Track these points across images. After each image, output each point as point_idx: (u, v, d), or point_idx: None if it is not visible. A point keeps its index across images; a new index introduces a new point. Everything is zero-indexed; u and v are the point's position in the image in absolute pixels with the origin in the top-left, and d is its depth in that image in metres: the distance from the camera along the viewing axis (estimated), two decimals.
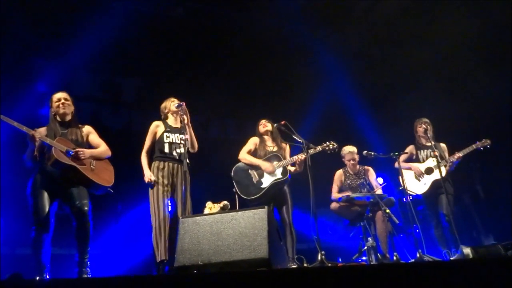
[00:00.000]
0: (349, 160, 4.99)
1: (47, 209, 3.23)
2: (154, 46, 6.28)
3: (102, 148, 3.60)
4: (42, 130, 3.42)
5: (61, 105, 3.48)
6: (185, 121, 3.81)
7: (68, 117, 3.54)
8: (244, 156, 4.43)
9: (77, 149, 3.34)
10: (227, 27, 6.27)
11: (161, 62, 6.46)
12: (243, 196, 4.23)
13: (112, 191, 3.55)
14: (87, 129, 3.65)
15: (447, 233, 4.53)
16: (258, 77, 6.83)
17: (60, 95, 3.55)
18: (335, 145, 4.48)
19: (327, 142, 4.46)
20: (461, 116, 6.16)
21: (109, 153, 3.63)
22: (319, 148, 4.37)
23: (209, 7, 6.06)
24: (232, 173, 4.37)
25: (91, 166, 3.39)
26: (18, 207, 4.47)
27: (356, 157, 4.99)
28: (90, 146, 3.59)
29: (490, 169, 6.24)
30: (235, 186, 4.30)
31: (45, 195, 3.26)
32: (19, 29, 5.41)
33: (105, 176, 3.49)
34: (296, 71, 6.99)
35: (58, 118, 3.50)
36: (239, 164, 4.43)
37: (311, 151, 4.26)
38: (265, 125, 4.56)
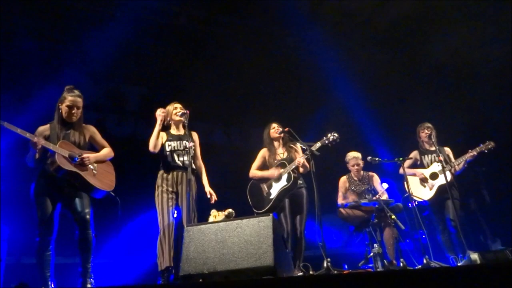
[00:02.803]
0: (353, 166, 4.99)
1: (50, 212, 3.25)
2: (158, 54, 6.31)
3: (106, 150, 3.60)
4: (46, 129, 3.41)
5: (70, 113, 3.43)
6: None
7: (74, 119, 3.50)
8: (253, 173, 4.48)
9: (83, 156, 3.35)
10: (230, 34, 6.30)
11: (165, 70, 6.49)
12: (256, 211, 4.27)
13: (113, 194, 3.55)
14: (90, 130, 3.62)
15: (454, 239, 4.50)
16: (263, 84, 6.85)
17: (73, 101, 3.43)
18: (336, 135, 4.23)
19: (328, 135, 4.25)
20: (466, 120, 6.14)
21: (112, 154, 3.63)
22: (318, 143, 4.19)
23: (212, 15, 6.09)
24: (247, 191, 4.43)
25: (93, 171, 3.40)
26: (23, 216, 4.48)
27: (361, 162, 4.99)
28: (91, 146, 3.60)
29: (496, 173, 6.20)
30: (250, 203, 4.36)
31: (48, 198, 3.27)
32: (23, 38, 5.46)
33: (107, 181, 3.50)
34: (301, 78, 7.00)
35: (63, 117, 3.45)
36: (253, 181, 4.47)
37: (313, 147, 4.11)
38: (277, 131, 4.45)
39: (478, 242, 5.89)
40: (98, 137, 3.66)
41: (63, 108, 3.44)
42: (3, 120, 3.13)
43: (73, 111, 3.44)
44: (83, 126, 3.56)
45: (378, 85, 6.93)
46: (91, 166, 3.41)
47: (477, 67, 6.13)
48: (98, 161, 3.50)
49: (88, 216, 3.29)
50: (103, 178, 3.46)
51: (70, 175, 3.28)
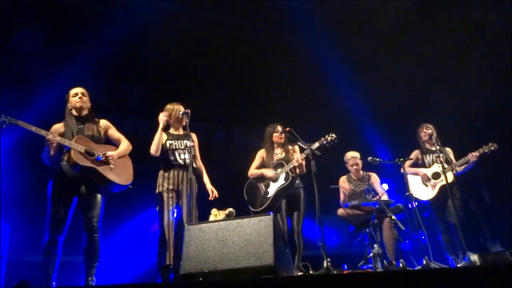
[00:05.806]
0: (352, 166, 5.00)
1: (64, 212, 3.25)
2: (159, 53, 6.32)
3: (125, 144, 3.61)
4: (60, 127, 3.43)
5: (78, 99, 3.49)
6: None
7: (85, 112, 3.54)
8: (251, 172, 4.51)
9: (107, 154, 3.36)
10: (231, 34, 6.30)
11: (166, 70, 6.49)
12: (253, 210, 4.29)
13: (131, 187, 3.54)
14: (104, 123, 3.64)
15: (454, 239, 4.50)
16: (264, 84, 6.84)
17: (77, 89, 3.55)
18: (334, 136, 4.28)
19: (326, 136, 4.30)
20: (468, 121, 6.12)
21: (130, 147, 3.65)
22: (316, 143, 4.21)
23: (213, 15, 6.10)
24: (244, 191, 4.44)
25: (111, 166, 3.38)
26: (25, 215, 4.49)
27: (359, 162, 4.99)
28: (107, 140, 3.60)
29: (496, 174, 6.19)
30: (247, 202, 4.37)
31: (64, 198, 3.28)
32: (23, 38, 5.46)
33: (124, 175, 3.47)
34: (302, 78, 7.00)
35: (74, 113, 3.51)
36: (250, 180, 4.50)
37: (312, 147, 4.13)
38: (280, 137, 4.46)
39: (477, 244, 5.89)
40: (114, 130, 3.67)
41: (71, 100, 3.49)
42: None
43: (80, 96, 3.49)
44: (96, 120, 3.59)
45: (380, 83, 6.92)
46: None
47: (479, 66, 6.06)
48: (121, 156, 3.50)
49: (95, 224, 3.28)
50: (120, 172, 3.44)
51: (87, 171, 3.27)
